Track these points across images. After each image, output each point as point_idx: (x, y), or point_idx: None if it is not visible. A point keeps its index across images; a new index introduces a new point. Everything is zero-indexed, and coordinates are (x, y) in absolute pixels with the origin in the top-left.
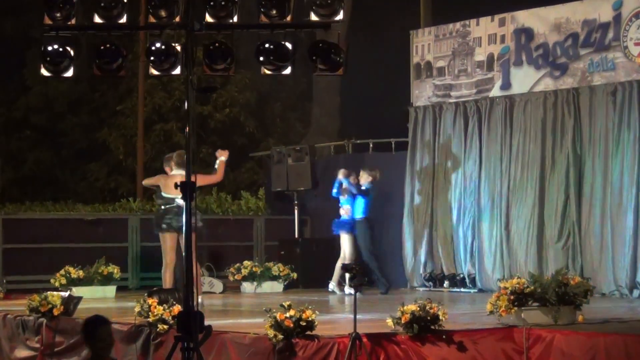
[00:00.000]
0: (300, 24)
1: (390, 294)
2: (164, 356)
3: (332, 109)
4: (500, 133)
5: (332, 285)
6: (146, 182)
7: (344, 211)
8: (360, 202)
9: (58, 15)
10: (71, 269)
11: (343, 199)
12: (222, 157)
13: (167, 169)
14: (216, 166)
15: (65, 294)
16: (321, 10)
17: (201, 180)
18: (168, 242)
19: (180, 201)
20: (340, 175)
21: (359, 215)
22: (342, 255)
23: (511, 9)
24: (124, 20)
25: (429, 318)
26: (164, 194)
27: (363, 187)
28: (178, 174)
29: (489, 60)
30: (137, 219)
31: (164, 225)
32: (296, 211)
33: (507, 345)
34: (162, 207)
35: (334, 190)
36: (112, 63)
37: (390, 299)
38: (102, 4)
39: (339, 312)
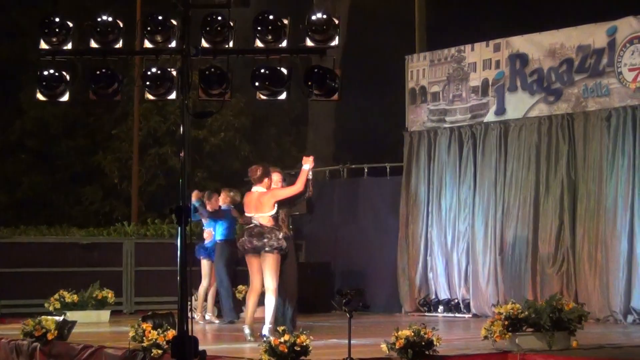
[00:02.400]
0: (296, 50)
1: (384, 319)
2: None
3: (327, 134)
4: (494, 158)
5: (202, 315)
6: None
7: (207, 234)
8: (220, 224)
9: (54, 39)
10: (65, 293)
11: (205, 222)
12: (305, 164)
13: None
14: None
15: (60, 318)
16: (317, 36)
17: (281, 193)
18: (249, 266)
19: (258, 220)
20: (193, 198)
21: (218, 238)
22: (205, 281)
23: (506, 34)
24: (119, 45)
25: (423, 343)
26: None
27: (222, 209)
28: (255, 191)
29: (483, 86)
30: (131, 243)
31: (242, 248)
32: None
33: None
34: (244, 227)
35: (192, 215)
36: (107, 87)
37: (384, 323)
38: (98, 29)
39: (333, 337)
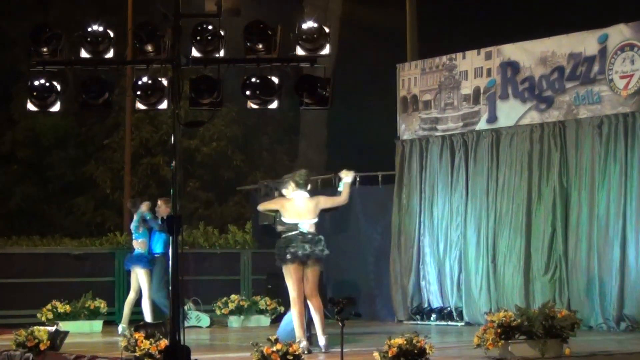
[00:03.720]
0: (287, 59)
1: (377, 327)
2: None
3: (319, 142)
4: (486, 166)
5: (122, 328)
6: (263, 207)
7: (139, 245)
8: (160, 236)
9: (45, 49)
10: (58, 304)
11: (138, 232)
12: (346, 178)
13: (284, 191)
14: (340, 189)
15: (52, 328)
16: (307, 44)
17: (326, 202)
18: (294, 275)
19: (304, 227)
20: (144, 208)
21: (158, 250)
22: (134, 292)
23: (497, 42)
24: (110, 54)
25: (416, 352)
26: (285, 220)
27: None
28: (299, 196)
29: (475, 94)
30: (124, 253)
31: (287, 256)
32: None
33: None
34: (284, 235)
35: (133, 225)
36: (98, 97)
37: (377, 332)
38: (89, 39)
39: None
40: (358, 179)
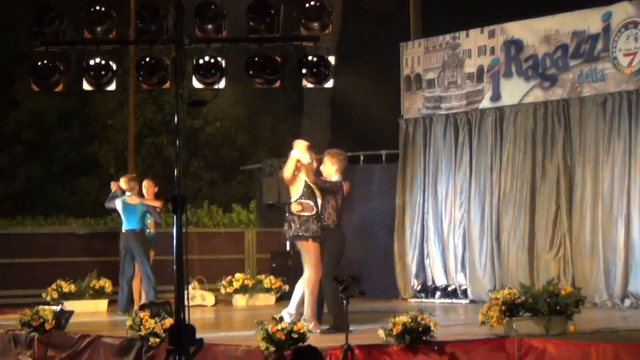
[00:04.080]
0: (290, 38)
1: (382, 305)
2: None
3: (322, 121)
4: (490, 144)
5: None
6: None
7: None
8: (132, 213)
9: (47, 30)
10: (63, 283)
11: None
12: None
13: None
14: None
15: (57, 308)
16: (310, 23)
17: None
18: (316, 253)
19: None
20: (113, 187)
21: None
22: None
23: (501, 20)
24: (113, 35)
25: (420, 329)
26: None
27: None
28: None
29: (478, 72)
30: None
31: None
32: None
33: (499, 356)
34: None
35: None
36: (101, 78)
37: (381, 310)
38: (92, 19)
39: (330, 324)
40: (362, 157)
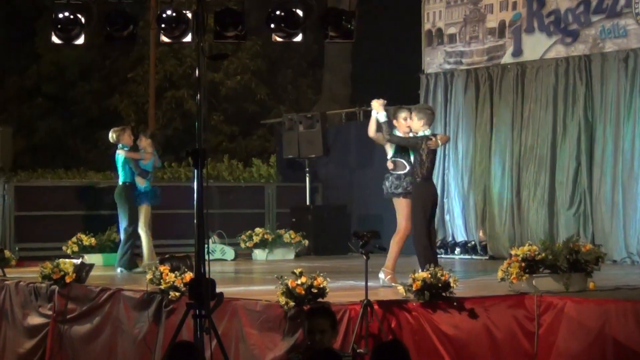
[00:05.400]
0: None
1: (401, 261)
2: (176, 323)
3: (343, 76)
4: (511, 100)
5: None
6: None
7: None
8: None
9: None
10: (83, 237)
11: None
12: (373, 111)
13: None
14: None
15: (78, 261)
16: None
17: None
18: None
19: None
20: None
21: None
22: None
23: None
24: None
25: (440, 285)
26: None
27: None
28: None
29: (500, 27)
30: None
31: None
32: (307, 178)
33: (519, 312)
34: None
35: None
36: (122, 30)
37: (401, 266)
38: None
39: (350, 279)
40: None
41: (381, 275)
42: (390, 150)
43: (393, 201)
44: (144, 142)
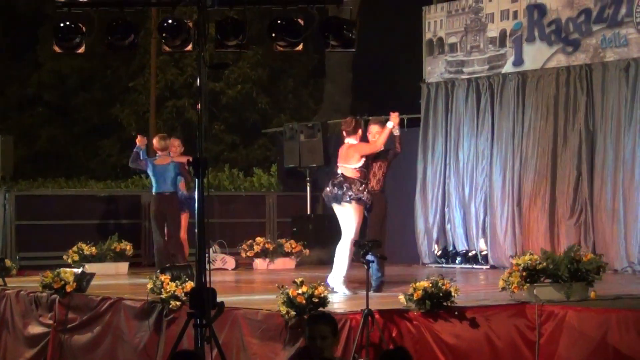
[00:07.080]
0: (313, 0)
1: (402, 270)
2: (177, 332)
3: (344, 85)
4: (512, 109)
5: None
6: None
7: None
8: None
9: None
10: (84, 246)
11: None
12: (388, 122)
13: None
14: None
15: (78, 270)
16: None
17: (364, 148)
18: (337, 215)
19: (344, 171)
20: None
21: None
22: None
23: None
24: None
25: (441, 294)
26: None
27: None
28: (347, 142)
29: (501, 37)
30: (149, 195)
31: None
32: (308, 188)
33: (520, 322)
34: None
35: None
36: (123, 39)
37: (402, 275)
38: None
39: (351, 288)
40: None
41: (341, 287)
42: (362, 160)
43: (344, 207)
44: (179, 149)
